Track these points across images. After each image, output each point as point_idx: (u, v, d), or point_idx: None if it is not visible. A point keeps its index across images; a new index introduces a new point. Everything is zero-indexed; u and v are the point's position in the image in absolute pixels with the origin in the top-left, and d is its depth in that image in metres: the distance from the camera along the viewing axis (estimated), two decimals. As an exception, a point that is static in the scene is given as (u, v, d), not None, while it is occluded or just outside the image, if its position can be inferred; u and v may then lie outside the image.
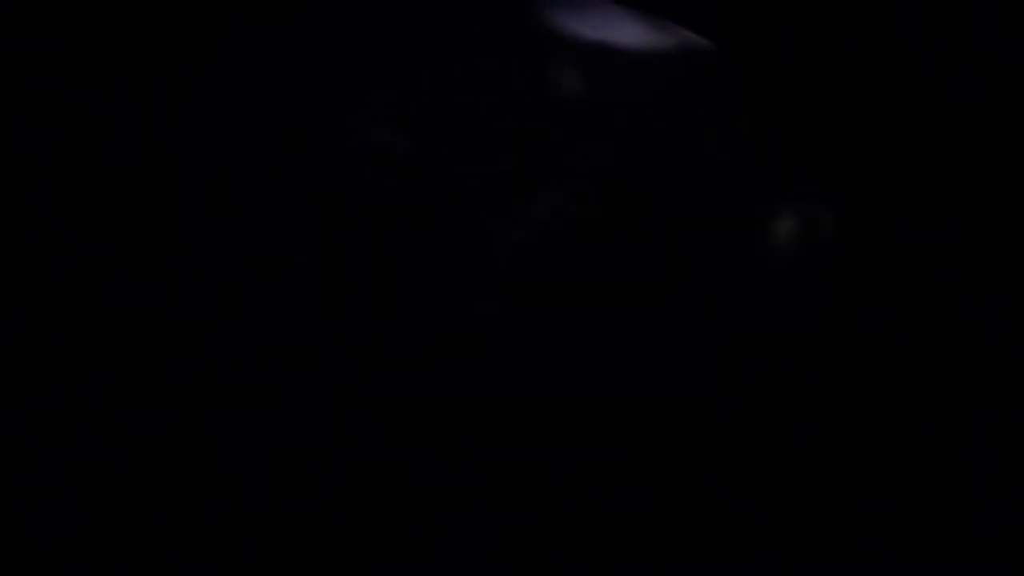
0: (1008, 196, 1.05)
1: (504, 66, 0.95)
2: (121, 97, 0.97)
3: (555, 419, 0.96)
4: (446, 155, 0.93)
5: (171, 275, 0.97)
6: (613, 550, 1.02)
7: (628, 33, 0.99)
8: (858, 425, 1.05)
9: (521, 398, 0.96)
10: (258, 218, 0.95)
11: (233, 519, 0.99)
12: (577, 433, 0.97)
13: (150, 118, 0.97)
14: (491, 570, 1.00)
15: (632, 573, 1.01)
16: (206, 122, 0.96)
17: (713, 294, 0.96)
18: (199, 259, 0.96)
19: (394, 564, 0.99)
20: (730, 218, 0.97)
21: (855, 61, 1.04)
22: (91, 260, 0.97)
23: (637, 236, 0.95)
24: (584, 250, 0.95)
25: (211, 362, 0.97)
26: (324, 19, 0.97)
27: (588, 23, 0.98)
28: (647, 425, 0.97)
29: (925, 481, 1.04)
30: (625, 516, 1.02)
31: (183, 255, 0.96)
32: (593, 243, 0.95)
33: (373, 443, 0.97)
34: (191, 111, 0.97)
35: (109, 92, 0.94)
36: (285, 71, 0.96)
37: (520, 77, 0.94)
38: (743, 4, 1.03)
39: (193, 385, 0.97)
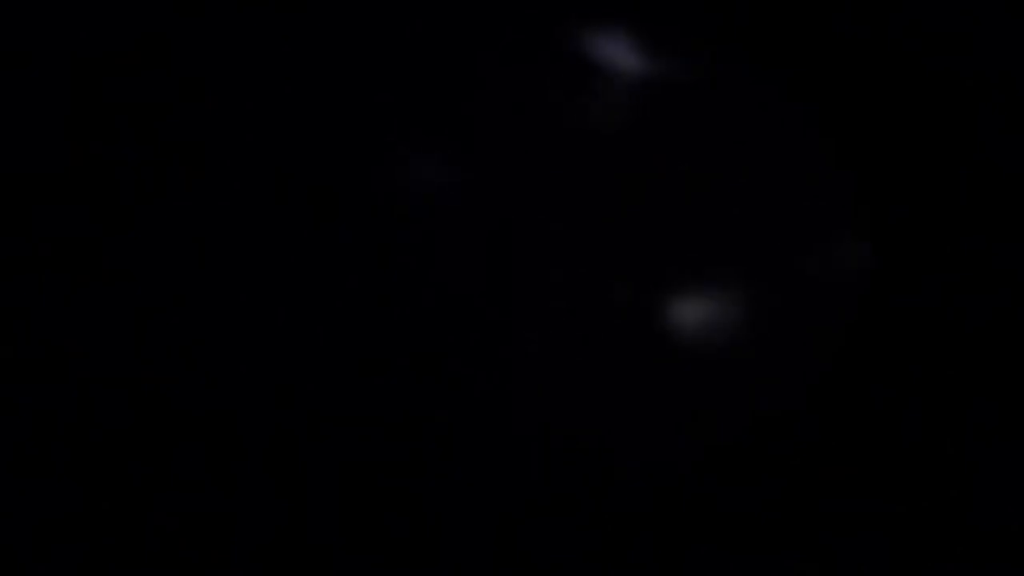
0: None
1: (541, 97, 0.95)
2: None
3: (575, 426, 0.97)
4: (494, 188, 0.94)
5: (181, 274, 0.97)
6: (615, 551, 1.01)
7: (652, 54, 0.99)
8: (865, 425, 1.05)
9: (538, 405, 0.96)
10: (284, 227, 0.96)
11: (231, 519, 0.99)
12: (601, 440, 0.97)
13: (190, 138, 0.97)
14: (496, 570, 1.00)
15: (636, 572, 1.01)
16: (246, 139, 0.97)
17: (747, 300, 0.96)
18: (206, 259, 0.96)
19: (395, 565, 0.99)
20: (758, 224, 0.97)
21: (880, 57, 1.04)
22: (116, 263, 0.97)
23: (664, 244, 0.95)
24: (598, 252, 0.95)
25: (212, 360, 0.97)
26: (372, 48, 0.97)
27: (617, 47, 0.98)
28: (668, 440, 0.97)
29: (929, 482, 1.04)
30: (629, 516, 1.02)
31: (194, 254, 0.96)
32: (610, 244, 0.95)
33: (375, 443, 0.97)
34: (234, 125, 0.97)
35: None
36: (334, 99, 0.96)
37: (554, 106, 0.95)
38: (766, 7, 1.03)
39: (194, 382, 0.97)
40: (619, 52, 0.99)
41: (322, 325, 0.95)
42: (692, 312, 0.96)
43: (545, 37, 0.98)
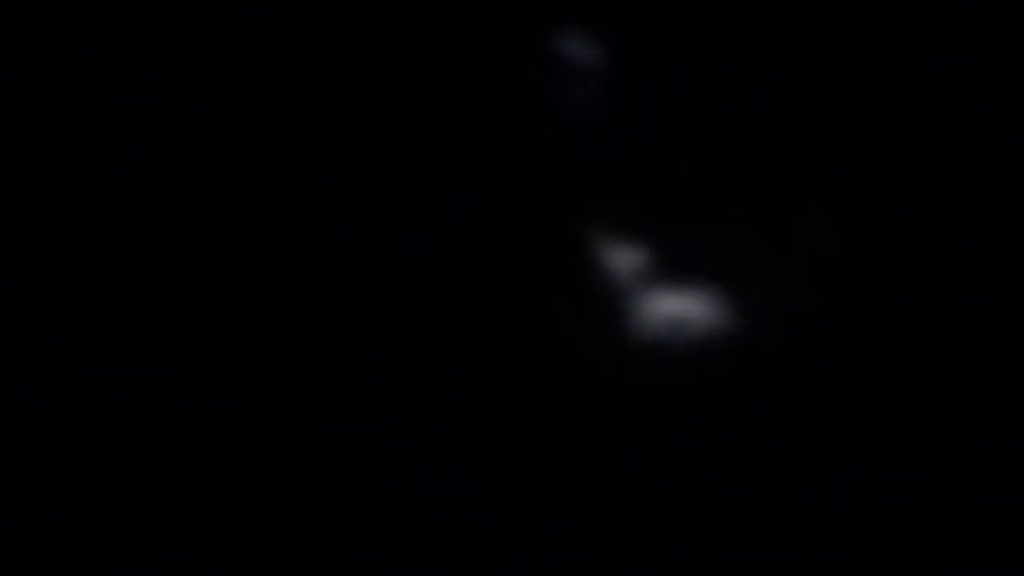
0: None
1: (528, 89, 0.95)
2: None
3: (577, 432, 0.97)
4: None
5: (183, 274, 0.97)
6: (615, 551, 1.01)
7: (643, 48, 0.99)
8: (865, 423, 1.05)
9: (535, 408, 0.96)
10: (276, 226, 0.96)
11: (231, 519, 0.99)
12: (600, 448, 0.97)
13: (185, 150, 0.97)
14: (495, 571, 1.00)
15: (636, 573, 1.01)
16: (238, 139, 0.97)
17: (738, 297, 0.96)
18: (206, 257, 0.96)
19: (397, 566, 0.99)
20: (757, 225, 0.97)
21: (874, 56, 1.04)
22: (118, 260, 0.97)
23: (653, 239, 0.95)
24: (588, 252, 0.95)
25: (212, 360, 0.97)
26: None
27: (601, 41, 0.98)
28: (667, 445, 0.97)
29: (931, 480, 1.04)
30: (629, 516, 1.02)
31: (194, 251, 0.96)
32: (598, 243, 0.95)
33: (376, 443, 0.97)
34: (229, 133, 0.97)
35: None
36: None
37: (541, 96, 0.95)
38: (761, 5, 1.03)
39: (194, 382, 0.97)
40: (618, 52, 0.99)
41: (322, 325, 0.95)
42: (692, 312, 0.96)
43: (544, 38, 0.98)
